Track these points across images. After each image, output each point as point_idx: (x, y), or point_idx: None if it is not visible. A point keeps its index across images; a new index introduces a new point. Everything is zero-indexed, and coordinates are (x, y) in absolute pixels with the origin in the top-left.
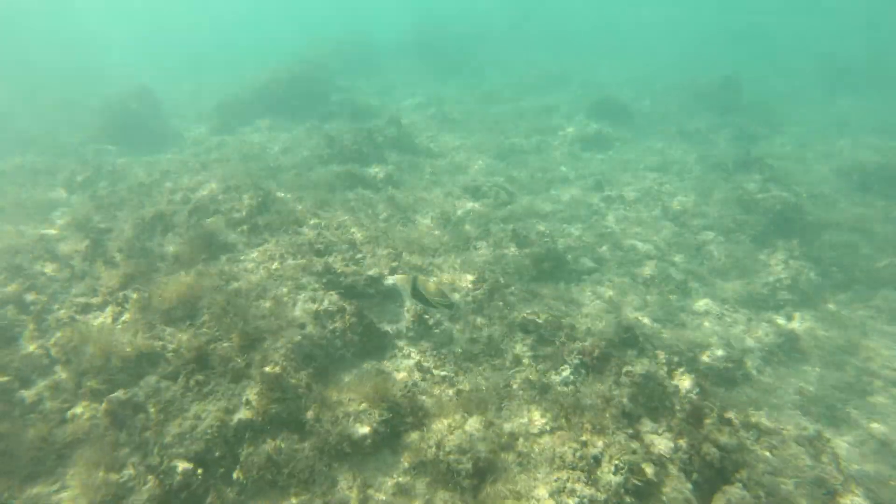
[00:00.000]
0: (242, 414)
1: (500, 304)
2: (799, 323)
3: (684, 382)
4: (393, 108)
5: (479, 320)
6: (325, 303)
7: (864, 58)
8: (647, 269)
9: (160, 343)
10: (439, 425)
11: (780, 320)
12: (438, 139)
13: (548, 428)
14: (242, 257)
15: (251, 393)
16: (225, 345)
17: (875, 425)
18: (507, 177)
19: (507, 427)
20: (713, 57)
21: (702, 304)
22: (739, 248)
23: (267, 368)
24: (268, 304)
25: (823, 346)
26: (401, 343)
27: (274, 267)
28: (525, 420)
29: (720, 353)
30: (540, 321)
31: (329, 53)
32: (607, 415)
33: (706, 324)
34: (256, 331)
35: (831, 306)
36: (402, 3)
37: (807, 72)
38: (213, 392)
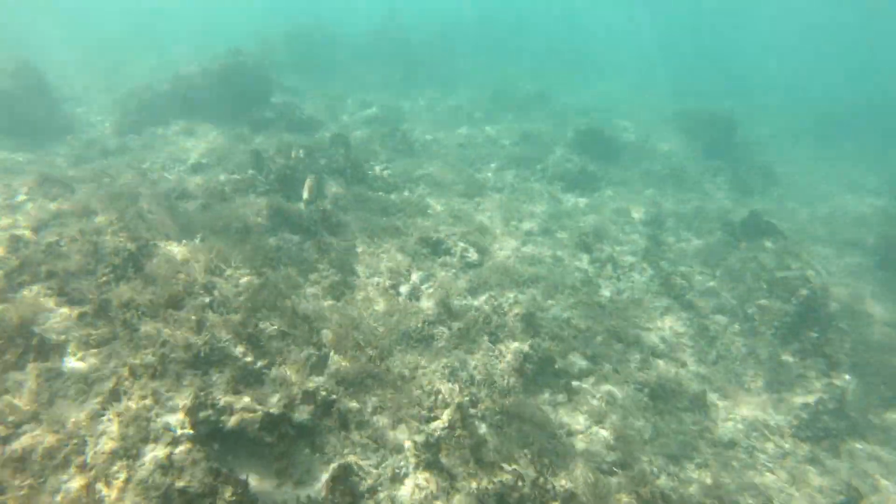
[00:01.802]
0: None
1: (465, 448)
2: (850, 464)
3: None
4: (343, 120)
5: (433, 484)
6: (187, 476)
7: (865, 106)
8: (654, 374)
9: None
10: None
11: (828, 460)
12: (393, 166)
13: None
14: (65, 368)
15: None
16: None
17: None
18: (475, 225)
19: None
20: (702, 88)
21: (725, 429)
22: (762, 345)
23: None
24: (77, 480)
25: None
26: None
27: (112, 391)
28: None
29: None
30: (524, 490)
31: (276, 46)
32: None
33: (734, 464)
34: None
35: (881, 437)
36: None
37: (802, 115)
38: None
